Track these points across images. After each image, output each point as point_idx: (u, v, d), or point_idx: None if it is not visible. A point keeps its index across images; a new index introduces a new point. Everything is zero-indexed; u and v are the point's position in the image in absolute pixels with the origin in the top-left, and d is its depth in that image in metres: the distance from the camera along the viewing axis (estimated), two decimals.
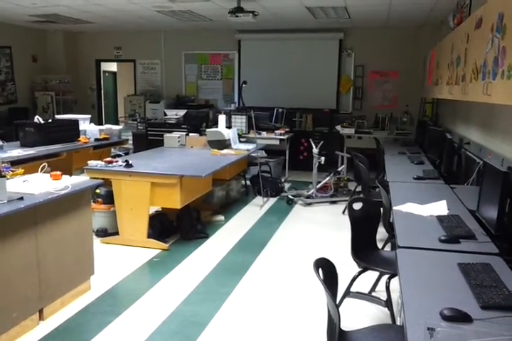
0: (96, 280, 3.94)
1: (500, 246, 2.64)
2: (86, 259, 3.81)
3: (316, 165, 6.88)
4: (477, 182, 4.48)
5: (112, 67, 12.59)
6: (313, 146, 6.95)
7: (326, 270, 2.19)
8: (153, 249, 4.78)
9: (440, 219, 3.12)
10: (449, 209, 3.33)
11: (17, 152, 5.33)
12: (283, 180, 7.99)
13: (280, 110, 9.27)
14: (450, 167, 5.16)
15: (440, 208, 3.36)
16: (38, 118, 6.09)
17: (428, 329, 1.74)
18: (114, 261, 4.49)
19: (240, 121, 8.24)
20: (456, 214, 3.19)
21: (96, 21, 9.29)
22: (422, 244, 2.67)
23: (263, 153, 7.32)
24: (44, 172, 3.76)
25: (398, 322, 3.01)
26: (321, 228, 5.68)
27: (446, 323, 1.79)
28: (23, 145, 5.81)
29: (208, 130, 6.78)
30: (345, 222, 5.73)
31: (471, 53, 4.28)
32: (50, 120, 6.44)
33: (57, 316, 3.42)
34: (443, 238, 2.73)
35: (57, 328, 3.26)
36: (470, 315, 1.82)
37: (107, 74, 12.34)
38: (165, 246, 4.84)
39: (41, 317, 3.33)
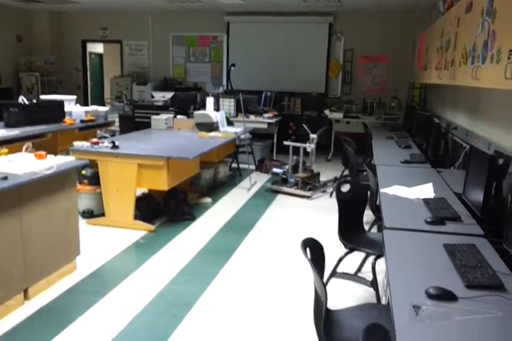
0: (82, 261, 3.92)
1: (485, 228, 2.67)
2: (72, 239, 3.79)
3: (310, 150, 6.45)
4: (463, 167, 4.51)
5: (99, 48, 12.40)
6: (309, 131, 6.66)
7: (313, 250, 2.19)
8: (139, 231, 4.77)
9: (426, 201, 3.14)
10: (435, 192, 3.35)
11: (0, 132, 5.24)
12: None
13: (268, 94, 9.24)
14: (437, 151, 5.18)
15: (426, 191, 3.38)
16: (22, 99, 5.99)
17: (414, 307, 1.76)
18: (100, 242, 4.47)
19: (228, 104, 8.20)
20: (442, 197, 3.21)
21: (81, 1, 9.12)
22: (408, 225, 2.69)
23: (248, 135, 7.29)
24: (29, 152, 3.70)
25: (383, 302, 3.05)
26: (308, 211, 5.70)
27: (431, 301, 1.80)
28: (7, 125, 5.72)
29: (195, 112, 6.73)
30: (332, 205, 5.76)
31: (460, 37, 4.27)
32: (34, 100, 6.33)
33: (43, 296, 3.40)
34: (429, 220, 2.75)
35: (43, 308, 3.25)
36: (455, 293, 1.84)
37: (93, 55, 12.15)
38: (151, 227, 4.83)
39: (26, 297, 3.31)
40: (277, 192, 6.44)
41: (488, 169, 2.76)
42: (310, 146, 6.42)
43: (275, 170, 6.69)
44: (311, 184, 6.36)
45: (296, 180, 6.39)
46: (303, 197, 6.23)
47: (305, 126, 6.97)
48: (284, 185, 6.47)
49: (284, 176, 6.55)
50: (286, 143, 6.59)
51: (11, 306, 3.16)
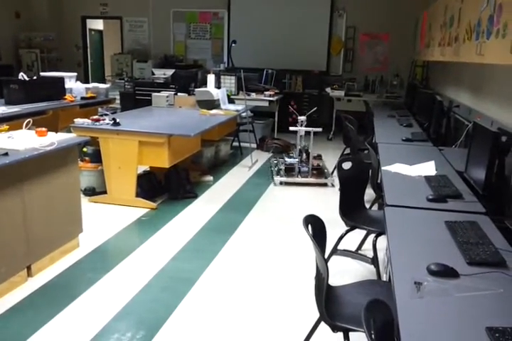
0: (85, 238, 3.93)
1: (487, 205, 2.67)
2: (74, 216, 3.80)
3: (301, 134, 5.93)
4: (465, 145, 4.49)
5: (98, 25, 12.25)
6: (296, 113, 6.13)
7: (315, 226, 2.20)
8: (141, 208, 4.78)
9: (428, 179, 3.13)
10: (436, 170, 3.35)
11: (1, 109, 5.21)
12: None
13: (270, 71, 9.14)
14: (438, 129, 5.15)
15: (428, 168, 3.37)
16: (22, 75, 5.94)
17: (415, 283, 1.77)
18: (103, 220, 4.48)
19: (229, 81, 8.12)
20: (443, 175, 3.21)
21: None
22: (409, 202, 2.68)
23: (249, 113, 7.21)
24: (29, 129, 3.69)
25: (384, 279, 3.07)
26: (309, 190, 5.70)
27: (433, 278, 1.81)
28: (8, 102, 5.68)
29: (196, 90, 6.67)
30: (334, 184, 5.76)
31: (465, 13, 4.21)
32: (35, 77, 6.28)
33: (46, 273, 3.43)
34: (430, 197, 2.75)
35: (46, 284, 3.28)
36: (457, 270, 1.85)
37: (92, 32, 12.01)
38: (153, 205, 4.84)
39: (29, 274, 3.34)
40: (292, 184, 5.84)
41: (491, 146, 2.74)
42: (300, 130, 5.91)
43: (288, 160, 6.12)
44: (323, 170, 6.08)
45: (309, 168, 5.93)
46: (322, 185, 5.85)
47: (291, 108, 6.68)
48: (295, 175, 5.92)
49: (291, 166, 6.01)
50: (292, 128, 5.95)
51: (14, 283, 3.18)
